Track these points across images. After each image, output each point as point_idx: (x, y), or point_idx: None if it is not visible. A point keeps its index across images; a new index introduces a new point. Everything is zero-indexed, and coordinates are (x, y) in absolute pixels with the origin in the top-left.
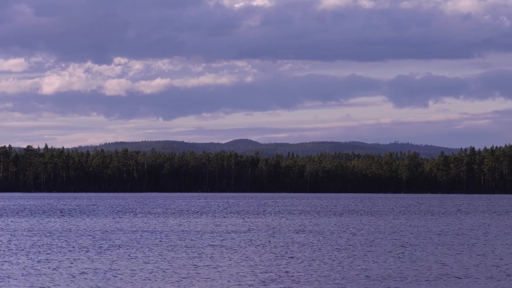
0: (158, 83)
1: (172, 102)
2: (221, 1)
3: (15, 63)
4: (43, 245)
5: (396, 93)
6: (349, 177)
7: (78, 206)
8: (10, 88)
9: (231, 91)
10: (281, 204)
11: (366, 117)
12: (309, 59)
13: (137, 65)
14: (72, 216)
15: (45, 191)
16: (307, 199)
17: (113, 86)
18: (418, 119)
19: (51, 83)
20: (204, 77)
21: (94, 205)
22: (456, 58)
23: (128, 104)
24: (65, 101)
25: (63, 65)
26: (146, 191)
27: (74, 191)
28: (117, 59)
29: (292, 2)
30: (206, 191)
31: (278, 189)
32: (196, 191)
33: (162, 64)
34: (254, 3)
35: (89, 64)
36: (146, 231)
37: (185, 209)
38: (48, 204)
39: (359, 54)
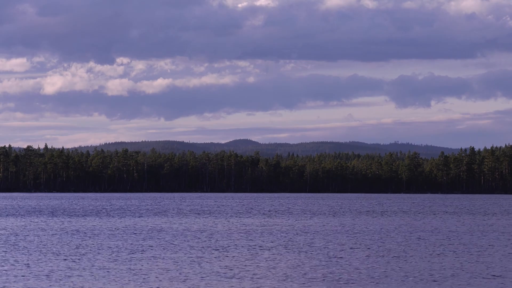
0: (160, 83)
1: (174, 102)
2: (225, 1)
3: (18, 63)
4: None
5: (399, 93)
6: (349, 177)
7: (119, 206)
8: (12, 88)
9: (233, 91)
10: (316, 204)
11: (368, 117)
12: (312, 59)
13: (139, 65)
14: (123, 216)
15: (45, 191)
16: (337, 200)
17: (115, 86)
18: (420, 119)
19: (53, 83)
20: (206, 77)
21: (132, 205)
22: (459, 58)
23: (130, 104)
24: (67, 101)
25: (65, 65)
26: (146, 191)
27: (74, 191)
28: (120, 59)
29: (296, 2)
30: (206, 191)
31: (278, 189)
32: (196, 191)
33: (165, 64)
34: (258, 3)
35: (91, 64)
36: (190, 231)
37: (225, 209)
38: (86, 205)
39: (362, 54)
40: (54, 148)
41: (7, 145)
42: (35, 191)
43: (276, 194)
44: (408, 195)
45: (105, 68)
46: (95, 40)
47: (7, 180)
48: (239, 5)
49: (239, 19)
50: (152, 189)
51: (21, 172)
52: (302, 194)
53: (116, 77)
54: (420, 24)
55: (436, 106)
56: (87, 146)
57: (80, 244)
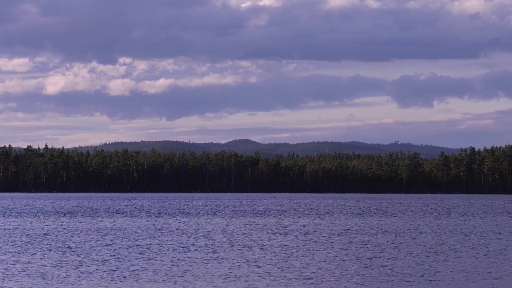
0: (162, 83)
1: (176, 102)
2: (228, 1)
3: (19, 63)
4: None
5: (400, 93)
6: (349, 177)
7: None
8: (14, 88)
9: (235, 91)
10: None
11: (369, 117)
12: (314, 59)
13: (141, 65)
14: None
15: (45, 191)
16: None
17: (117, 86)
18: (421, 119)
19: (55, 83)
20: (208, 77)
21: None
22: (461, 58)
23: (132, 104)
24: (69, 101)
25: (67, 65)
26: (146, 191)
27: (74, 191)
28: (122, 59)
29: (299, 2)
30: (206, 191)
31: (278, 189)
32: (196, 191)
33: (167, 64)
34: (261, 3)
35: (93, 64)
36: (222, 231)
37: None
38: (118, 206)
39: (364, 54)
40: (54, 148)
41: (7, 145)
42: (35, 191)
43: (279, 194)
44: (408, 195)
45: (108, 68)
46: (97, 40)
47: (7, 180)
48: (242, 5)
49: (243, 19)
50: (152, 189)
51: (21, 172)
52: (304, 194)
53: (118, 77)
54: (422, 24)
55: (438, 106)
56: (87, 146)
57: (127, 245)
